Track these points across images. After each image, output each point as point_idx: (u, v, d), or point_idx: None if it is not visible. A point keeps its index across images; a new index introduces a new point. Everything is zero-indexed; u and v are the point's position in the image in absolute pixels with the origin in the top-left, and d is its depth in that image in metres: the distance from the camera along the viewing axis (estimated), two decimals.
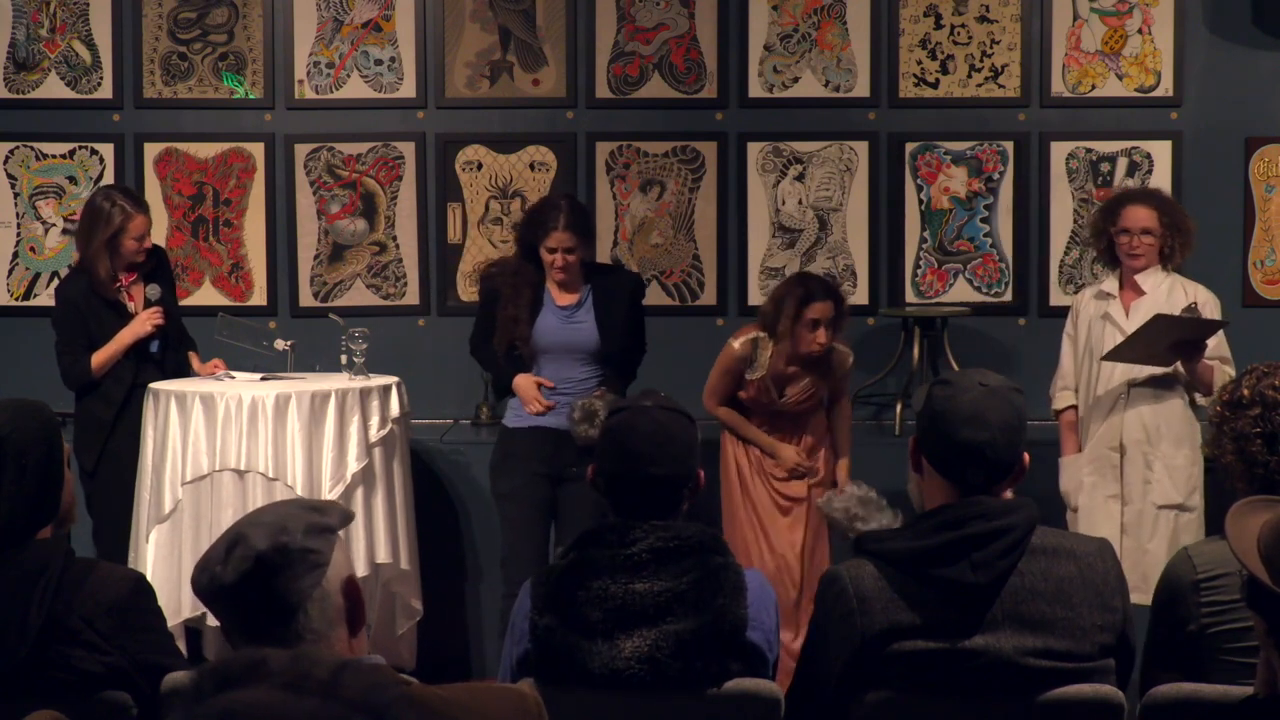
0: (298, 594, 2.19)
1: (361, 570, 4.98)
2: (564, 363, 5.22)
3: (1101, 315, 5.26)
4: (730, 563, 2.94)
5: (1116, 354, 5.10)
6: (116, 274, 5.41)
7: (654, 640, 2.84)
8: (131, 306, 5.46)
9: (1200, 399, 5.17)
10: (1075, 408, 5.34)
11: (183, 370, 5.60)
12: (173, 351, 5.57)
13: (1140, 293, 5.23)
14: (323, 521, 2.26)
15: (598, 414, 5.05)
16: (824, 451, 5.37)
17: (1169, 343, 5.02)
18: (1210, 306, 5.20)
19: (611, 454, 3.01)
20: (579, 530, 3.04)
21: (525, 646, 2.93)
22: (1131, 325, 5.15)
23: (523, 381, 5.22)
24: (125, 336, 5.40)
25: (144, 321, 5.41)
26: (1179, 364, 5.09)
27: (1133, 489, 5.15)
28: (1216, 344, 5.15)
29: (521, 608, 2.97)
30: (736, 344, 5.29)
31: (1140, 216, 5.17)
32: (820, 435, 5.37)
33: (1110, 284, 5.32)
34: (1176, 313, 5.10)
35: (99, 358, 5.39)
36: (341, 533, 2.31)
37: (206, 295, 6.38)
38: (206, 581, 2.24)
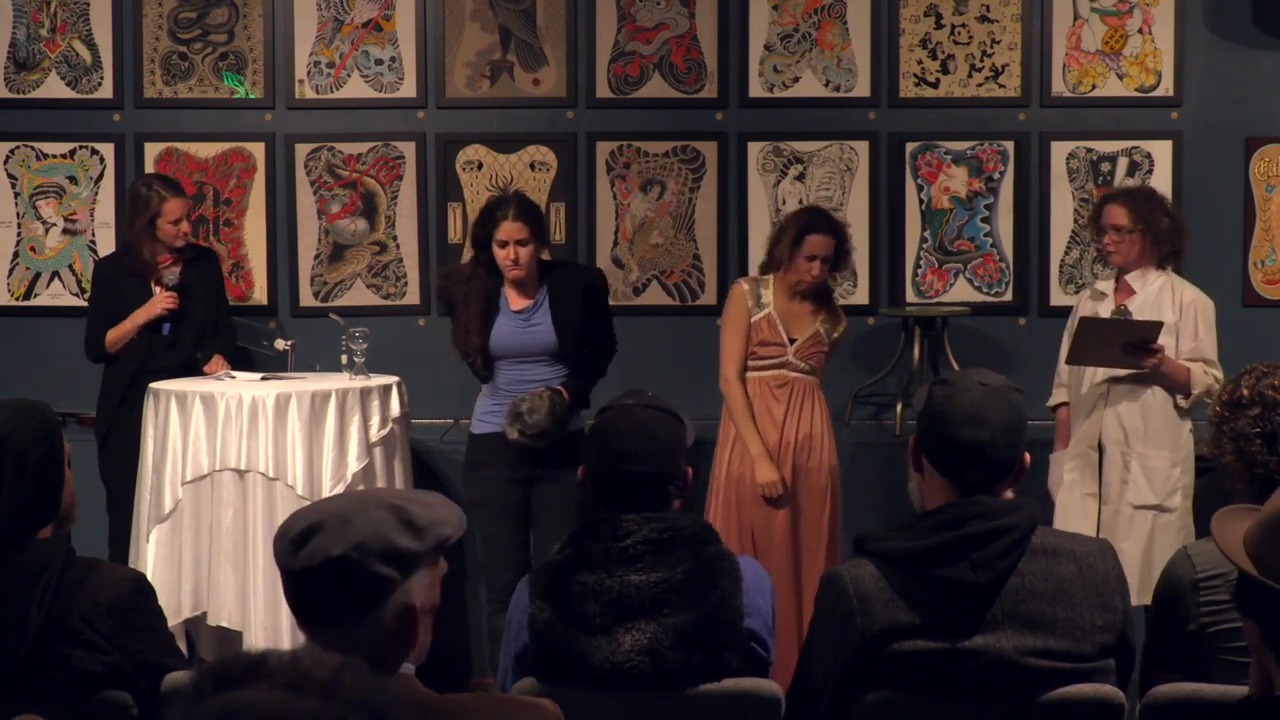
0: (350, 610, 2.17)
1: None
2: (525, 366, 5.19)
3: (1090, 315, 5.26)
4: (724, 551, 2.95)
5: (1071, 357, 5.16)
6: (156, 256, 5.70)
7: (653, 633, 2.84)
8: (157, 291, 5.71)
9: (1180, 401, 5.15)
10: (1068, 404, 5.37)
11: (192, 361, 5.73)
12: (185, 339, 5.74)
13: (1131, 292, 5.25)
14: (410, 547, 2.19)
15: (523, 414, 5.05)
16: (828, 442, 5.36)
17: (1119, 345, 5.03)
18: (1198, 306, 5.20)
19: (595, 453, 3.02)
20: (556, 531, 3.04)
21: (524, 641, 2.93)
22: None
23: None
24: (138, 316, 5.69)
25: (155, 304, 5.68)
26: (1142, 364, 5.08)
27: (1110, 488, 5.16)
28: (1195, 345, 5.14)
29: (519, 603, 2.97)
30: (743, 283, 5.44)
31: (1114, 214, 5.22)
32: (818, 425, 5.35)
33: (1105, 284, 5.34)
34: (1157, 315, 5.13)
35: (113, 334, 5.71)
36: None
37: None
38: (278, 553, 2.22)
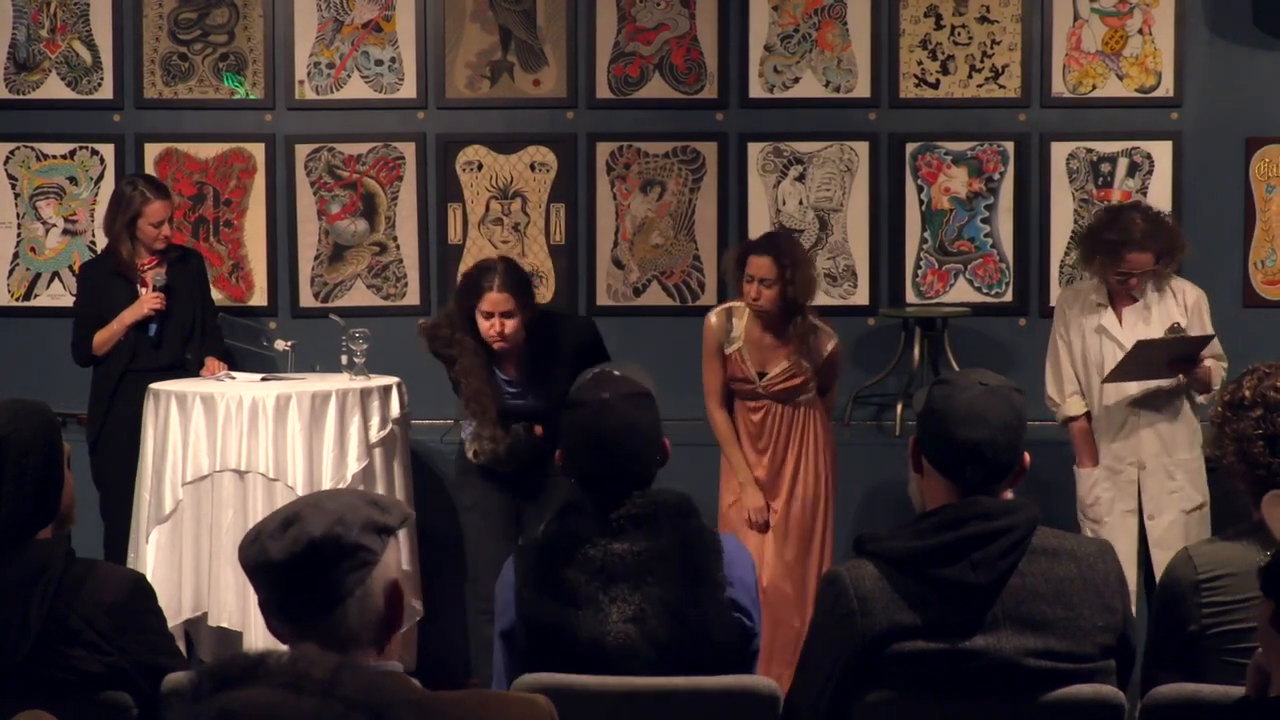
0: (341, 588, 2.19)
1: None
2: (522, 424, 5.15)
3: (1095, 329, 5.24)
4: (704, 525, 3.00)
5: (1114, 376, 5.14)
6: (135, 257, 5.68)
7: (639, 604, 2.87)
8: (144, 292, 5.69)
9: (1200, 398, 5.21)
10: (1089, 414, 5.28)
11: (180, 361, 5.72)
12: (172, 338, 5.71)
13: (1132, 300, 5.24)
14: (382, 520, 2.26)
15: (483, 438, 5.05)
16: (818, 463, 5.32)
17: (1164, 360, 5.06)
18: (1201, 302, 5.27)
19: (581, 453, 3.02)
20: None
21: (510, 618, 2.95)
22: (1126, 334, 5.18)
23: None
24: (126, 317, 5.67)
25: (143, 304, 5.66)
26: (1181, 375, 5.14)
27: (1159, 501, 5.15)
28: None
29: (505, 579, 2.99)
30: (712, 316, 5.36)
31: (1142, 262, 5.14)
32: (807, 447, 5.32)
33: (1100, 294, 5.29)
34: (1161, 332, 5.14)
35: (100, 336, 5.68)
36: (402, 534, 2.31)
37: None
38: (255, 553, 2.23)
